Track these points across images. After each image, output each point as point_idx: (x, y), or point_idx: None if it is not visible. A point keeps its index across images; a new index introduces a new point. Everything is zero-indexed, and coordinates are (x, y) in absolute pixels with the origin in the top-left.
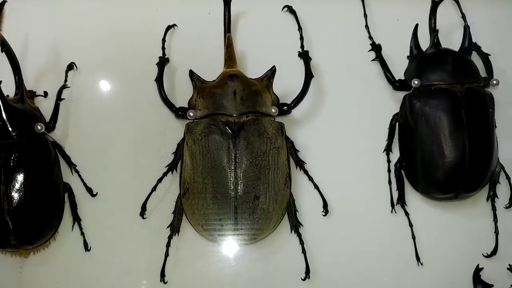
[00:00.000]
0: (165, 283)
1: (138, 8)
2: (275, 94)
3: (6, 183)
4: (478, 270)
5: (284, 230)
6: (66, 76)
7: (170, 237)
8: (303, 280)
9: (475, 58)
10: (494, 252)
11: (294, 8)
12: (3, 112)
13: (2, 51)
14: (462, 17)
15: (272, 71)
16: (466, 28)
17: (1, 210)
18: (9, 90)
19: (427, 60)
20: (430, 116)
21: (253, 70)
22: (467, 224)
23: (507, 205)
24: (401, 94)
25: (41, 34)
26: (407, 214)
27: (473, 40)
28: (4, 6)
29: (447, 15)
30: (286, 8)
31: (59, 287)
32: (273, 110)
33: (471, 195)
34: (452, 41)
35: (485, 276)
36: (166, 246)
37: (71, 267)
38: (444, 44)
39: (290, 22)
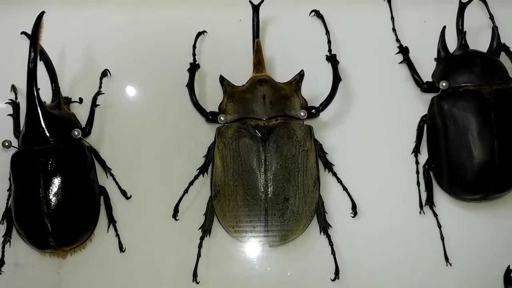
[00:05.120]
0: (197, 283)
1: (170, 16)
2: (304, 98)
3: (45, 186)
4: (509, 271)
5: (313, 232)
6: (101, 82)
7: (202, 238)
8: (333, 280)
9: (504, 59)
10: None
11: (321, 12)
12: (41, 119)
13: (40, 60)
14: (490, 18)
15: (301, 75)
16: (495, 29)
17: (41, 213)
18: (46, 96)
19: (455, 62)
20: (458, 118)
21: (282, 74)
22: (496, 225)
23: None
24: (429, 96)
25: (76, 42)
26: (435, 215)
27: (502, 41)
28: (43, 17)
29: (474, 16)
30: (313, 13)
31: (95, 286)
32: (302, 114)
33: (500, 196)
34: (480, 42)
35: None
36: (198, 247)
37: (107, 267)
38: (472, 45)
39: (317, 27)
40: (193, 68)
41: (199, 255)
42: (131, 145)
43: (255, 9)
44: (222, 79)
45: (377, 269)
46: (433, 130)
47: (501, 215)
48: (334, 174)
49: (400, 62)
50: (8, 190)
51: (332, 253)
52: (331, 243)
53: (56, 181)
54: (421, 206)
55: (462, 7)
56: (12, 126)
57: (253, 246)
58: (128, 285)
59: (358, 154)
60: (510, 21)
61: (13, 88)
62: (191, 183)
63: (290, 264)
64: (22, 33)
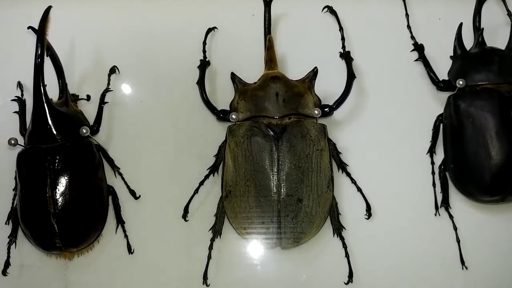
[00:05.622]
0: (207, 286)
1: (181, 12)
2: (317, 96)
3: (51, 186)
4: None
5: (326, 234)
6: (109, 79)
7: (212, 240)
8: (346, 284)
9: None
10: None
11: (334, 8)
12: (48, 116)
13: (47, 56)
14: (508, 14)
15: (314, 72)
16: None
17: (47, 213)
18: (52, 93)
19: (472, 59)
20: (476, 117)
21: (294, 71)
22: None
23: None
24: (445, 95)
25: (84, 38)
26: (451, 217)
27: None
28: (50, 12)
29: (491, 13)
30: (326, 9)
31: None
32: (316, 112)
33: None
34: (497, 40)
35: None
36: (209, 248)
37: (115, 269)
38: (489, 43)
39: (330, 23)
40: (204, 65)
41: (209, 257)
42: (140, 143)
43: (267, 4)
44: (233, 76)
45: (391, 272)
46: (450, 129)
47: None
48: (348, 174)
49: (416, 60)
50: (14, 190)
51: (345, 255)
52: (344, 246)
53: (63, 181)
54: (436, 208)
55: (479, 4)
56: (18, 124)
57: (265, 248)
58: (136, 287)
59: (372, 154)
60: None
61: (19, 85)
62: (202, 183)
63: (302, 267)
64: (29, 27)
